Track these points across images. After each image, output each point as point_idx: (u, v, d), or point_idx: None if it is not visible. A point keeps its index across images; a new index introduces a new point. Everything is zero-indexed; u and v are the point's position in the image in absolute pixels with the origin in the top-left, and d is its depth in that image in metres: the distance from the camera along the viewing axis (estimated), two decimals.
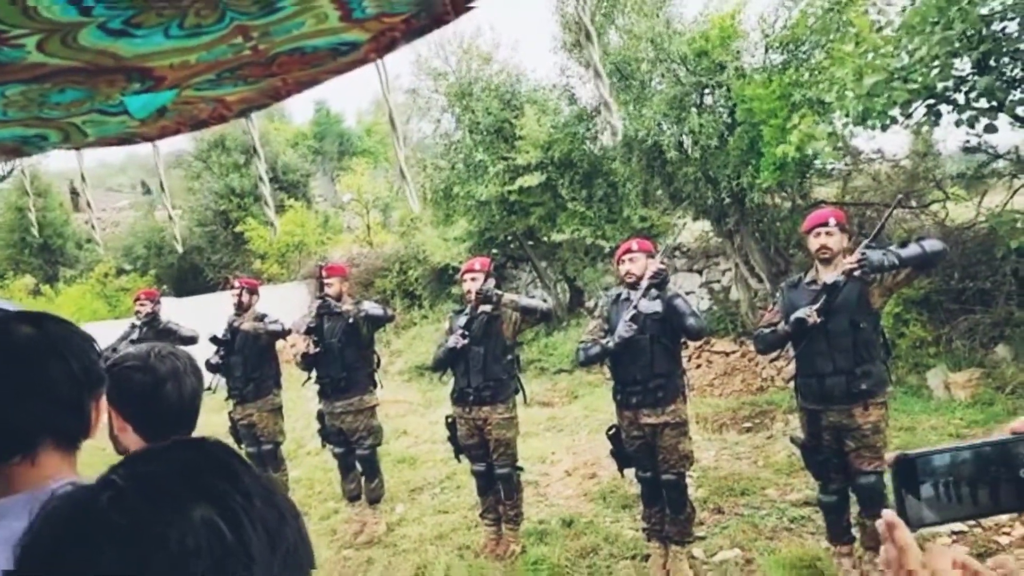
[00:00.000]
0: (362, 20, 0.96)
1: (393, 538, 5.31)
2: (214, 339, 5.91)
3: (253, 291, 6.08)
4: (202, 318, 6.41)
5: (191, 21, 0.88)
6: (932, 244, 3.53)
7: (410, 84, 12.33)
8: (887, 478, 0.88)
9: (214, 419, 9.15)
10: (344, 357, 5.31)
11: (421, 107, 12.15)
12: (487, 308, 4.72)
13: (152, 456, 0.62)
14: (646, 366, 4.20)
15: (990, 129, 6.34)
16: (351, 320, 5.27)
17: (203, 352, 5.98)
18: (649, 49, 8.47)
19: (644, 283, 4.21)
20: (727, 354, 9.07)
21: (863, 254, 3.50)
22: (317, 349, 5.32)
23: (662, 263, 4.30)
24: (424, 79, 12.11)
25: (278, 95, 1.20)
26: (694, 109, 8.23)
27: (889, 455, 0.82)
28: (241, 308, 5.89)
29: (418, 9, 0.98)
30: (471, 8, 1.04)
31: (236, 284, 6.07)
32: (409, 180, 1.03)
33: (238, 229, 19.19)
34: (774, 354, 4.33)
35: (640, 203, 9.91)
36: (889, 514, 0.81)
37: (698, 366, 9.16)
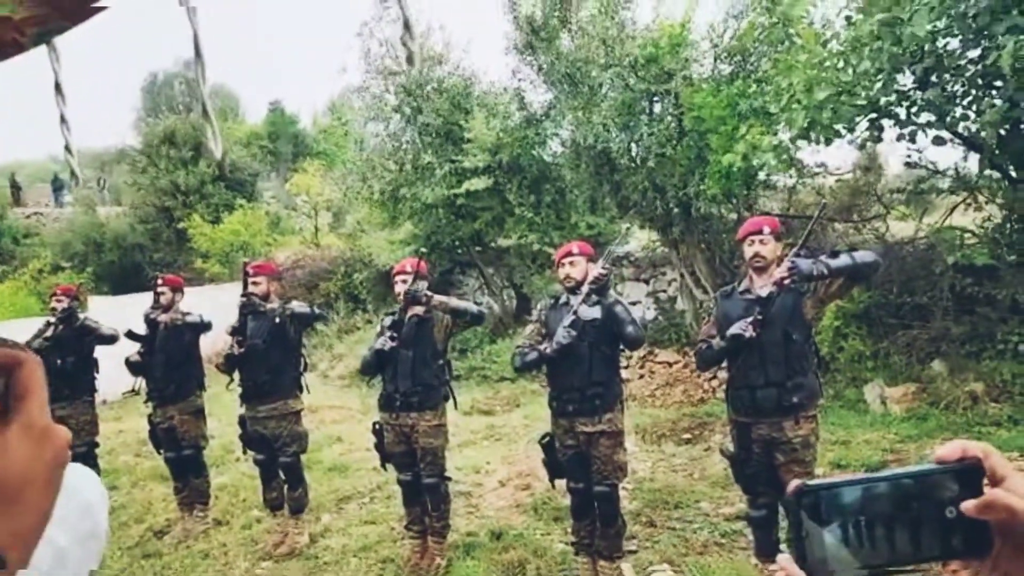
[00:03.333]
0: None
1: (316, 550, 5.08)
2: (130, 334, 5.63)
3: (177, 289, 5.82)
4: (139, 317, 6.11)
5: None
6: (862, 255, 3.46)
7: (360, 82, 12.13)
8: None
9: (134, 424, 8.85)
10: (269, 359, 5.07)
11: (370, 106, 11.92)
12: (418, 310, 4.55)
13: None
14: (584, 373, 4.07)
15: (938, 141, 6.38)
16: (277, 320, 5.04)
17: (125, 352, 5.74)
18: (601, 52, 8.40)
19: (584, 288, 4.08)
20: (670, 364, 9.00)
21: (793, 263, 3.42)
22: (241, 350, 5.07)
23: (604, 269, 4.17)
24: (376, 77, 11.91)
25: (72, 14, 1.01)
26: (643, 116, 8.18)
27: (790, 485, 0.66)
28: (160, 304, 5.63)
29: None
30: None
31: (160, 281, 5.81)
32: (214, 122, 0.86)
33: (181, 226, 18.71)
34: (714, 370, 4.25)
35: (588, 210, 9.84)
36: (784, 561, 0.65)
37: (641, 376, 9.08)
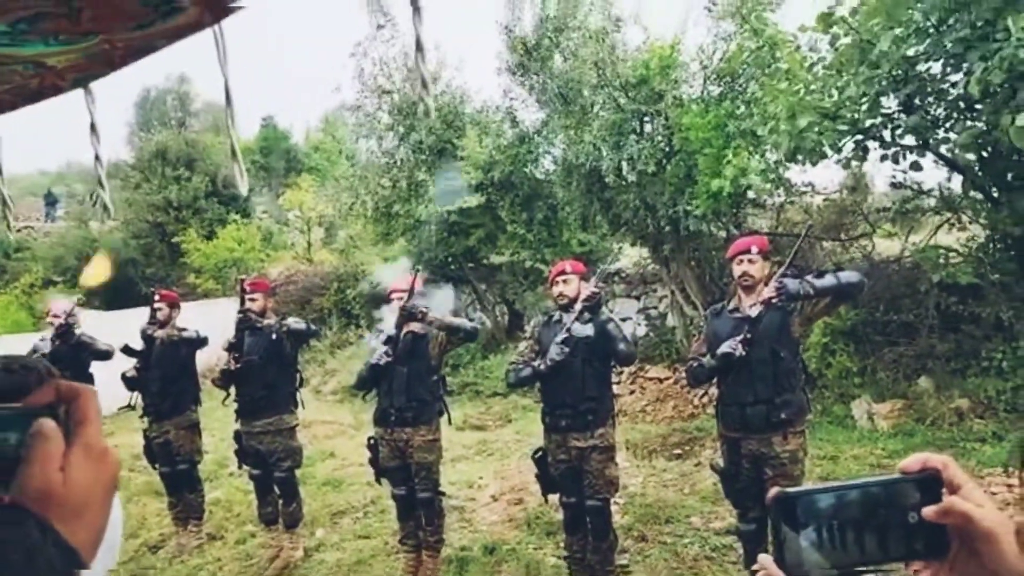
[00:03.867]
0: None
1: (311, 564, 5.12)
2: (127, 349, 5.67)
3: (174, 304, 5.86)
4: (131, 333, 6.14)
5: None
6: (848, 275, 3.57)
7: (354, 100, 12.24)
8: None
9: (127, 439, 8.84)
10: (265, 375, 5.12)
11: (363, 124, 12.03)
12: (414, 327, 4.61)
13: None
14: (577, 389, 4.15)
15: (915, 167, 6.53)
16: (274, 336, 5.11)
17: (124, 367, 5.77)
18: (592, 74, 8.54)
19: (578, 306, 4.17)
20: (661, 380, 9.09)
21: (780, 283, 3.52)
22: (237, 366, 5.13)
23: (596, 287, 4.26)
24: (369, 96, 12.02)
25: (110, 61, 1.10)
26: (633, 136, 8.30)
27: (770, 493, 0.74)
28: (157, 320, 5.67)
29: None
30: None
31: (157, 296, 5.86)
32: (239, 160, 0.95)
33: (175, 240, 18.75)
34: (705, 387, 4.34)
35: (579, 227, 9.94)
36: (765, 560, 0.73)
37: (631, 392, 9.16)
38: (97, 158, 1.13)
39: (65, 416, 0.66)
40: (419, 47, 0.91)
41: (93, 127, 1.14)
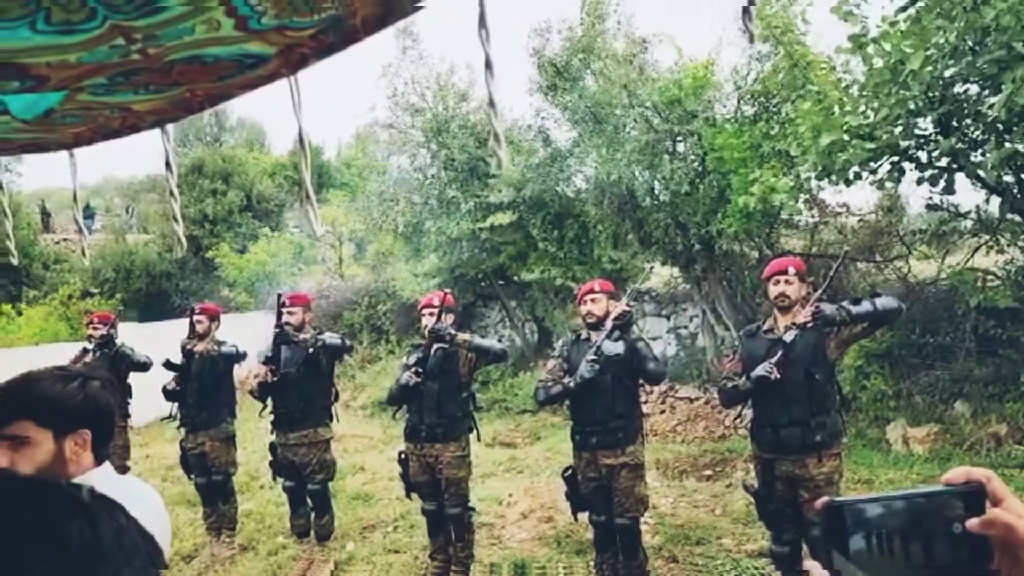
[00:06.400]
0: (262, 32, 0.93)
1: None
2: (168, 364, 5.77)
3: (214, 317, 5.95)
4: (165, 344, 6.24)
5: (59, 16, 0.84)
6: (884, 302, 3.56)
7: (387, 118, 12.39)
8: None
9: (161, 450, 9.00)
10: (301, 388, 5.20)
11: (397, 141, 12.17)
12: (442, 345, 4.66)
13: None
14: (607, 407, 4.17)
15: (948, 190, 6.46)
16: (310, 350, 5.18)
17: (157, 379, 5.89)
18: (623, 95, 8.58)
19: (608, 324, 4.19)
20: (691, 400, 9.04)
21: (816, 308, 3.52)
22: (275, 378, 5.21)
23: (628, 305, 4.28)
24: (401, 114, 12.17)
25: (190, 107, 1.16)
26: (666, 156, 8.32)
27: (818, 502, 0.76)
28: (196, 333, 5.76)
29: (325, 26, 0.96)
30: (382, 29, 1.02)
31: (197, 309, 5.95)
32: (313, 202, 1.01)
33: (209, 255, 19.05)
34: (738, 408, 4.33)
35: (610, 245, 9.94)
36: (812, 566, 0.75)
37: (662, 411, 9.11)
38: (172, 194, 1.20)
39: None
40: (492, 103, 0.96)
41: (168, 165, 1.20)
